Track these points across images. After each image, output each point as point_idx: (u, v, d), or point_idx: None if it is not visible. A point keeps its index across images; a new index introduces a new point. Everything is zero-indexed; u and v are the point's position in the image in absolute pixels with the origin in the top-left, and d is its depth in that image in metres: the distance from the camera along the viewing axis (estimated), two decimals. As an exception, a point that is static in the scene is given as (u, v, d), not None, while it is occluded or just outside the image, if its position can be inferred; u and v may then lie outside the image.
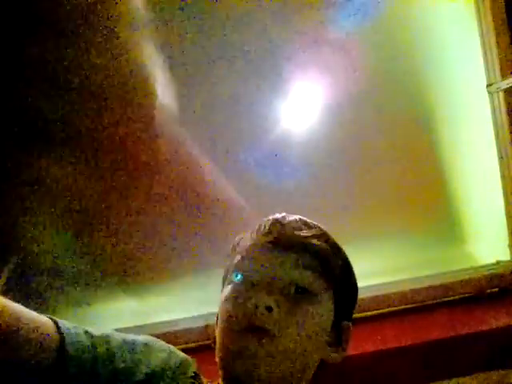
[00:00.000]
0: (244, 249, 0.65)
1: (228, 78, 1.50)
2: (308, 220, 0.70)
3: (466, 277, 1.49)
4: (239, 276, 0.62)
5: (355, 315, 1.47)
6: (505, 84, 1.43)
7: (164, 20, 1.46)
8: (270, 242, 0.63)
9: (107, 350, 0.53)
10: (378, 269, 1.53)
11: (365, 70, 1.49)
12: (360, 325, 1.45)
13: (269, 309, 0.57)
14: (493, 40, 1.46)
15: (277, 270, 0.61)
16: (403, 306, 1.47)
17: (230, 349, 0.58)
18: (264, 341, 0.56)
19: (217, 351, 0.61)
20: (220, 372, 0.61)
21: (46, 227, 1.43)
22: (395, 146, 1.54)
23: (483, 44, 1.49)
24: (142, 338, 0.61)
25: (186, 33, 1.47)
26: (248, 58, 1.50)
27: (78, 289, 1.50)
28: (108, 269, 1.46)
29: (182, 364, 0.61)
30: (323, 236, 0.68)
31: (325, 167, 1.52)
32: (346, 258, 0.75)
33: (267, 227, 0.65)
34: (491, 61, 1.48)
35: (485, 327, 1.29)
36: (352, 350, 1.34)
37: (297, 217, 0.69)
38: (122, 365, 0.53)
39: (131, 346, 0.56)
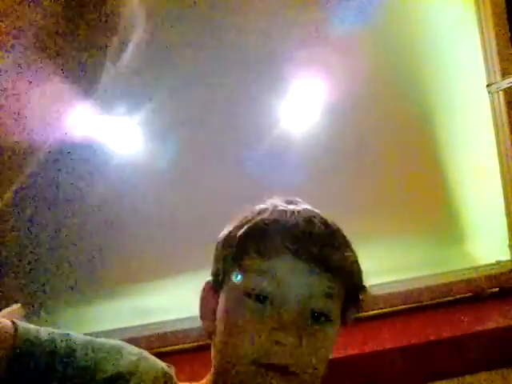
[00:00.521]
0: (269, 263, 0.55)
1: (228, 77, 1.50)
2: (336, 230, 0.63)
3: (466, 277, 1.49)
4: (257, 294, 0.54)
5: (355, 315, 1.48)
6: (505, 84, 1.43)
7: (163, 20, 1.46)
8: (303, 263, 0.55)
9: (67, 346, 0.52)
10: (378, 269, 1.52)
11: (365, 70, 1.49)
12: (360, 325, 1.45)
13: (294, 346, 0.53)
14: (493, 40, 1.46)
15: (304, 297, 0.55)
16: (403, 306, 1.47)
17: (243, 381, 0.53)
18: (285, 379, 0.53)
19: (223, 373, 0.56)
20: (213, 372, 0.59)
21: None
22: (395, 146, 1.54)
23: (483, 44, 1.49)
24: (112, 340, 0.59)
25: (186, 33, 1.47)
26: (248, 58, 1.50)
27: (77, 289, 1.51)
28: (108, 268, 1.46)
29: (153, 369, 0.58)
30: (353, 256, 0.62)
31: (325, 167, 1.52)
32: (358, 263, 0.66)
33: (300, 239, 0.56)
34: (491, 61, 1.48)
35: (485, 327, 1.29)
36: (352, 350, 1.35)
37: (320, 224, 0.61)
38: (84, 363, 0.51)
39: (97, 346, 0.55)
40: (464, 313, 1.41)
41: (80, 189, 1.48)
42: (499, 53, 1.45)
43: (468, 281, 1.48)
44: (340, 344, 1.32)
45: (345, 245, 0.62)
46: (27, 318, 1.35)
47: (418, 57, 1.53)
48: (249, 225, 0.59)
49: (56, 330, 0.53)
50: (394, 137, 1.54)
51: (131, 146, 1.49)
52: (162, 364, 0.60)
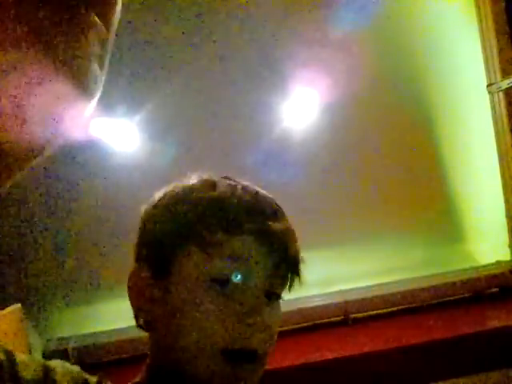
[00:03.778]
0: (232, 243, 0.51)
1: (228, 78, 1.50)
2: (281, 209, 0.58)
3: (466, 277, 1.49)
4: (236, 278, 0.51)
5: (355, 315, 1.48)
6: (505, 84, 1.43)
7: (163, 20, 1.46)
8: (267, 246, 0.52)
9: None
10: (378, 269, 1.53)
11: (365, 70, 1.49)
12: (360, 325, 1.45)
13: (266, 328, 0.51)
14: (493, 40, 1.46)
15: (270, 280, 0.53)
16: (403, 306, 1.47)
17: (210, 371, 0.50)
18: (253, 367, 0.52)
19: (187, 367, 0.51)
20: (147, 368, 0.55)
21: None
22: (395, 146, 1.54)
23: (483, 44, 1.49)
24: None
25: (186, 33, 1.47)
26: (248, 58, 1.50)
27: (77, 289, 1.51)
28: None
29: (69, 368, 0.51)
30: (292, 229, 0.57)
31: (325, 167, 1.53)
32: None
33: (260, 218, 0.52)
34: (491, 61, 1.48)
35: (485, 327, 1.29)
36: (352, 350, 1.35)
37: (280, 211, 0.57)
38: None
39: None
40: (464, 313, 1.41)
41: (80, 188, 1.48)
42: (499, 53, 1.45)
43: (468, 281, 1.48)
44: (340, 344, 1.33)
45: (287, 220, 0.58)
46: (27, 318, 1.35)
47: (418, 57, 1.54)
48: (204, 200, 0.53)
49: None
50: (394, 136, 1.54)
51: (131, 146, 1.49)
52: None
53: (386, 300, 1.47)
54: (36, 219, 1.49)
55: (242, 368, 0.50)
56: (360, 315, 1.47)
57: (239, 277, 0.51)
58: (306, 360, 1.26)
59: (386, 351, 1.25)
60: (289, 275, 0.56)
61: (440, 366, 1.26)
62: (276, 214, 0.55)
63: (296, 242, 0.56)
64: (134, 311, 0.57)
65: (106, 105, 1.44)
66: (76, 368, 0.51)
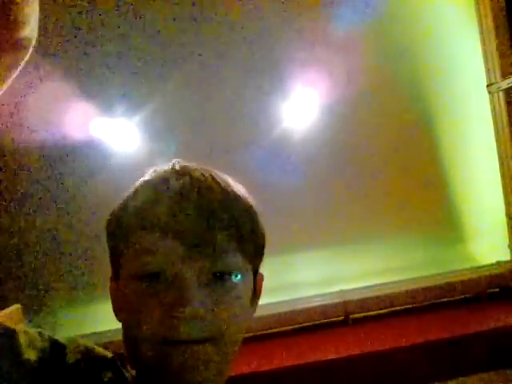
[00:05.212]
0: (145, 238, 0.53)
1: (228, 78, 1.50)
2: (215, 177, 0.58)
3: (466, 277, 1.49)
4: (146, 274, 0.52)
5: (355, 315, 1.48)
6: (505, 84, 1.43)
7: (163, 20, 1.46)
8: (173, 235, 0.52)
9: None
10: (378, 269, 1.53)
11: (365, 70, 1.49)
12: (360, 325, 1.45)
13: (193, 318, 0.50)
14: (493, 40, 1.46)
15: (190, 264, 0.52)
16: (403, 306, 1.47)
17: (154, 360, 0.51)
18: (201, 349, 0.50)
19: (131, 357, 0.53)
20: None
21: None
22: (395, 146, 1.54)
23: (483, 44, 1.49)
24: None
25: (186, 33, 1.47)
26: (248, 58, 1.50)
27: (77, 289, 1.51)
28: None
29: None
30: (224, 205, 0.56)
31: (325, 167, 1.52)
32: (249, 211, 0.58)
33: (165, 216, 0.53)
34: (491, 61, 1.48)
35: (485, 327, 1.29)
36: (352, 350, 1.35)
37: (207, 174, 0.57)
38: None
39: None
40: (464, 313, 1.41)
41: (80, 188, 1.48)
42: (499, 53, 1.45)
43: (468, 281, 1.48)
44: (340, 344, 1.33)
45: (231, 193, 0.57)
46: (27, 318, 1.35)
47: (418, 57, 1.54)
48: (134, 204, 0.56)
49: None
50: (395, 137, 1.54)
51: (131, 146, 1.49)
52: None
53: (386, 300, 1.47)
54: (36, 219, 1.48)
55: (180, 349, 0.49)
56: (360, 315, 1.47)
57: (155, 269, 0.52)
58: (306, 360, 1.26)
59: (386, 351, 1.25)
60: (212, 251, 0.53)
61: (440, 366, 1.26)
62: (186, 208, 0.54)
63: (218, 225, 0.53)
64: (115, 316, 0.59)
65: (106, 105, 1.44)
66: (89, 345, 0.53)
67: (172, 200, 0.54)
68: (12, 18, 0.37)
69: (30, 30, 0.40)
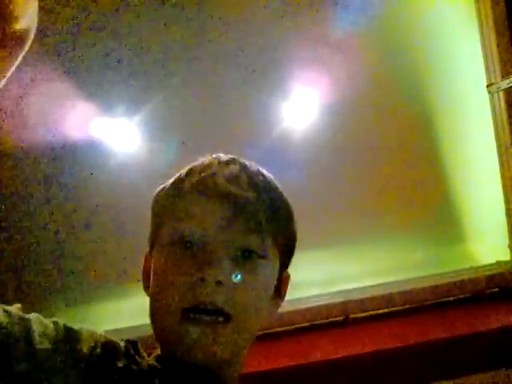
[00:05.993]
0: (183, 205, 0.55)
1: (228, 78, 1.50)
2: (249, 169, 0.60)
3: (466, 277, 1.49)
4: (179, 239, 0.53)
5: (355, 315, 1.48)
6: (505, 84, 1.43)
7: (163, 20, 1.46)
8: (213, 200, 0.54)
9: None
10: (378, 269, 1.53)
11: (365, 70, 1.49)
12: (360, 325, 1.45)
13: (219, 283, 0.50)
14: (493, 40, 1.46)
15: (224, 233, 0.53)
16: (403, 306, 1.47)
17: (171, 335, 0.51)
18: (215, 327, 0.50)
19: (155, 331, 0.54)
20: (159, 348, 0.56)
21: None
22: (395, 146, 1.54)
23: (483, 44, 1.49)
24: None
25: (186, 33, 1.47)
26: (248, 58, 1.50)
27: (77, 289, 1.51)
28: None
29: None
30: (268, 191, 0.59)
31: (325, 167, 1.52)
32: (290, 210, 0.64)
33: (211, 182, 0.55)
34: (491, 61, 1.48)
35: (485, 327, 1.29)
36: (352, 350, 1.35)
37: (238, 166, 0.59)
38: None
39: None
40: (464, 313, 1.41)
41: (80, 188, 1.48)
42: (499, 53, 1.45)
43: (468, 281, 1.48)
44: (340, 344, 1.33)
45: (263, 182, 0.60)
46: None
47: (418, 57, 1.54)
48: (175, 182, 0.60)
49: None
50: (395, 137, 1.54)
51: (131, 146, 1.49)
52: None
53: (385, 300, 1.47)
54: (36, 219, 1.49)
55: (199, 325, 0.50)
56: (360, 315, 1.47)
57: (190, 233, 0.53)
58: (306, 360, 1.26)
59: (386, 351, 1.25)
60: (250, 230, 0.54)
61: (440, 366, 1.26)
62: (234, 179, 0.56)
63: (259, 203, 0.56)
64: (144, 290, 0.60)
65: (106, 105, 1.44)
66: (102, 333, 0.53)
67: (219, 168, 0.57)
68: (5, 10, 0.37)
69: (27, 22, 0.40)
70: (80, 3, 1.42)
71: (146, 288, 0.59)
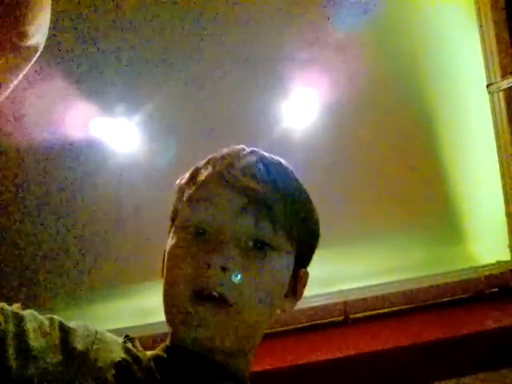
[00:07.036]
0: (199, 193, 0.56)
1: (228, 78, 1.50)
2: (267, 161, 0.61)
3: (466, 277, 1.49)
4: (193, 225, 0.54)
5: (355, 315, 1.48)
6: (505, 84, 1.43)
7: (163, 20, 1.46)
8: (228, 190, 0.54)
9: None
10: (378, 269, 1.53)
11: (365, 70, 1.49)
12: (360, 325, 1.45)
13: (224, 269, 0.50)
14: (493, 40, 1.46)
15: (236, 222, 0.53)
16: (403, 306, 1.47)
17: (178, 314, 0.51)
18: (220, 310, 0.50)
19: (165, 312, 0.54)
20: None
21: None
22: (395, 146, 1.54)
23: (483, 44, 1.49)
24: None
25: (186, 33, 1.47)
26: (248, 59, 1.50)
27: (77, 289, 1.51)
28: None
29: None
30: (285, 183, 0.59)
31: (325, 167, 1.52)
32: (309, 204, 0.65)
33: (227, 172, 0.55)
34: (491, 61, 1.48)
35: (485, 327, 1.29)
36: (352, 350, 1.35)
37: (256, 157, 0.60)
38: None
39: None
40: (464, 313, 1.41)
41: (80, 188, 1.48)
42: (499, 53, 1.45)
43: (468, 281, 1.48)
44: (340, 344, 1.33)
45: (284, 175, 0.61)
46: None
47: (418, 57, 1.54)
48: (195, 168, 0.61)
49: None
50: (395, 137, 1.54)
51: (131, 146, 1.49)
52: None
53: (385, 300, 1.47)
54: (36, 219, 1.49)
55: (204, 309, 0.50)
56: (360, 315, 1.47)
57: (202, 220, 0.54)
58: (306, 360, 1.26)
59: (386, 351, 1.25)
60: (263, 220, 0.54)
61: (440, 366, 1.26)
62: (250, 170, 0.56)
63: (273, 195, 0.56)
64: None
65: (106, 105, 1.44)
66: (99, 330, 0.53)
67: (237, 159, 0.58)
68: (21, 29, 0.38)
69: (39, 39, 0.42)
70: (80, 3, 1.42)
71: (162, 268, 0.59)
